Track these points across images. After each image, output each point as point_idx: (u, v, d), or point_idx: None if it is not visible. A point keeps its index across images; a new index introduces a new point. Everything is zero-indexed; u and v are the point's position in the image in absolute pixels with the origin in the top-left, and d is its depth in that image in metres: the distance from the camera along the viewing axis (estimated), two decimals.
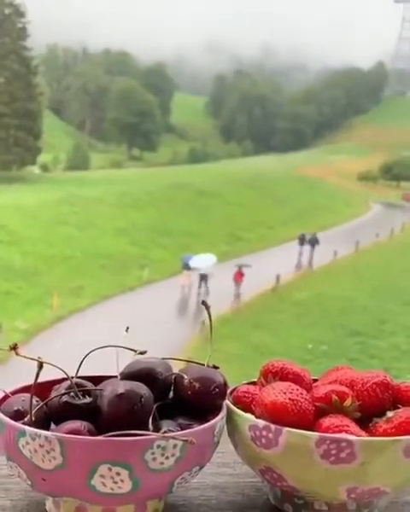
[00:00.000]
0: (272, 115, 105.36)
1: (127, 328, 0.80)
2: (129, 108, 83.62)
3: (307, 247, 25.77)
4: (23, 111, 41.96)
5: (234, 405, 0.69)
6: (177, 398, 0.67)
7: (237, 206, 34.36)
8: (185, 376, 0.65)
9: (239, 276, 18.72)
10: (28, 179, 41.35)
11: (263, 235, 30.07)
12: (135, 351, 0.72)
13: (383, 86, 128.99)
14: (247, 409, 0.68)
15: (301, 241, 25.99)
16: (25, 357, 0.61)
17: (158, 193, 33.39)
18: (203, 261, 18.65)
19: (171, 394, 0.68)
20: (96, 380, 0.69)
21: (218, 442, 0.67)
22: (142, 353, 0.73)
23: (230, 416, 0.68)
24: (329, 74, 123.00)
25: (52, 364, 0.62)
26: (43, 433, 0.59)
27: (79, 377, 0.69)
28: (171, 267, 22.47)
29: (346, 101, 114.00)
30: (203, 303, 0.76)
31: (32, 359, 0.61)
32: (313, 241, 25.68)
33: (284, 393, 0.64)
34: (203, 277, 18.11)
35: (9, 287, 17.91)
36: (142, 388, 0.62)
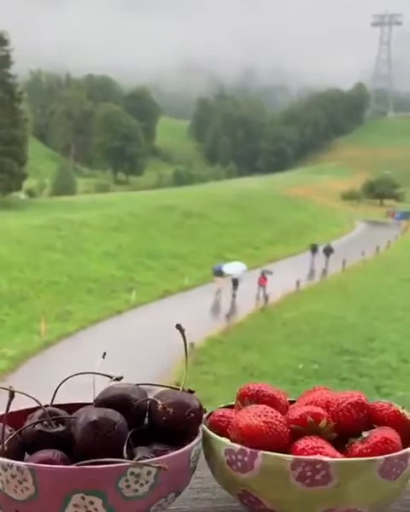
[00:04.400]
0: (255, 137, 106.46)
1: (104, 354, 0.79)
2: (113, 133, 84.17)
3: (316, 257, 27.99)
4: (8, 137, 42.05)
5: (210, 430, 0.69)
6: (152, 425, 0.66)
7: (223, 227, 34.47)
8: (159, 402, 0.65)
9: (263, 280, 21.17)
10: (14, 205, 41.26)
11: (250, 255, 30.13)
12: (110, 377, 0.71)
13: (363, 107, 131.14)
14: (223, 433, 0.68)
15: (313, 250, 28.26)
16: None
17: (144, 216, 33.43)
18: (235, 268, 21.54)
19: (146, 420, 0.68)
20: (72, 407, 0.69)
21: (194, 467, 0.67)
22: (118, 379, 0.72)
23: (206, 441, 0.68)
24: (310, 96, 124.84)
25: (24, 393, 0.62)
26: (15, 463, 0.58)
27: (55, 405, 0.68)
28: (159, 289, 22.39)
29: (327, 121, 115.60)
30: (178, 326, 0.76)
31: (4, 388, 0.60)
32: (328, 251, 27.79)
33: (259, 416, 0.64)
34: (235, 282, 20.68)
35: None
36: (115, 415, 0.62)
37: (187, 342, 0.70)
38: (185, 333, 0.77)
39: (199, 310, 18.96)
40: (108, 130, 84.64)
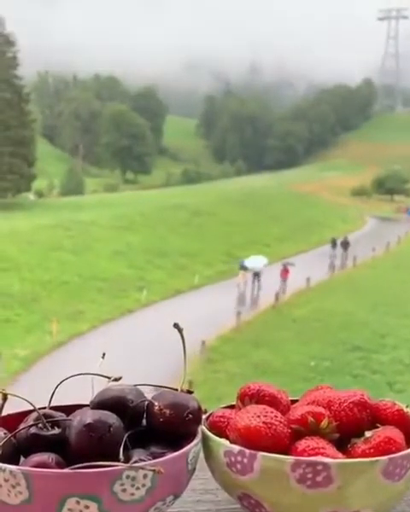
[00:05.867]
0: (263, 134, 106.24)
1: (104, 354, 0.78)
2: (121, 132, 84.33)
3: (334, 251, 28.48)
4: (16, 138, 42.28)
5: (209, 431, 0.67)
6: (149, 426, 0.65)
7: (233, 224, 34.42)
8: (156, 403, 0.64)
9: (285, 273, 21.62)
10: (23, 205, 41.47)
11: (260, 253, 30.04)
12: (109, 378, 0.70)
13: (371, 102, 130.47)
14: (223, 434, 0.67)
15: (333, 244, 28.77)
16: None
17: (153, 214, 33.46)
18: (256, 262, 22.04)
19: (144, 422, 0.66)
20: (68, 409, 0.68)
21: (193, 469, 0.65)
22: (116, 380, 0.71)
23: (205, 442, 0.67)
24: (317, 92, 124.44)
25: (16, 395, 0.61)
26: (8, 467, 0.57)
27: (52, 408, 0.67)
28: (169, 288, 22.39)
29: (335, 117, 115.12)
30: (175, 325, 0.74)
31: None
32: (345, 244, 28.37)
33: (258, 417, 0.63)
34: (256, 275, 21.36)
35: (8, 314, 17.81)
36: (111, 417, 0.60)
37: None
38: (184, 331, 0.76)
39: (210, 307, 18.95)
40: (116, 130, 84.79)
